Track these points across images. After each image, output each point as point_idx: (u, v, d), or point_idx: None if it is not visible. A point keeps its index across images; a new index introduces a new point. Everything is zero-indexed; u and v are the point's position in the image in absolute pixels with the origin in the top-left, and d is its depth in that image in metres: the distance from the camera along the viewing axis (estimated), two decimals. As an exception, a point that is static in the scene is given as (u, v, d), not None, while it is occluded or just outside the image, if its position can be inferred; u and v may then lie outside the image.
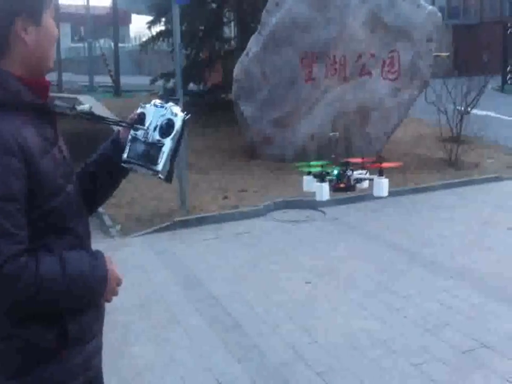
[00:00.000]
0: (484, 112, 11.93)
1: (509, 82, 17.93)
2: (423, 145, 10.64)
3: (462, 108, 9.75)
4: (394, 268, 5.44)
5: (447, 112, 9.75)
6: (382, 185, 3.55)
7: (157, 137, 1.67)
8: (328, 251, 5.95)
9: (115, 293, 1.67)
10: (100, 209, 7.29)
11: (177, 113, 1.70)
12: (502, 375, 3.57)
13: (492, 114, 12.96)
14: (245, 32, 12.17)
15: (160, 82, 14.12)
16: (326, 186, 3.50)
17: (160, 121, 1.69)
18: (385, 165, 3.53)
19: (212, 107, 12.62)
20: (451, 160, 9.33)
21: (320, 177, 3.53)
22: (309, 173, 3.65)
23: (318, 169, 3.58)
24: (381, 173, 3.55)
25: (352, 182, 3.69)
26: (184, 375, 3.69)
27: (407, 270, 5.37)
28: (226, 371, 3.71)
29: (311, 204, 7.44)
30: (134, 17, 46.27)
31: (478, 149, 10.25)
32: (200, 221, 6.88)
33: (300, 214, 7.26)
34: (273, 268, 5.51)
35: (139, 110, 1.73)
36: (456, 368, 3.66)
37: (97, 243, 6.47)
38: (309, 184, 3.72)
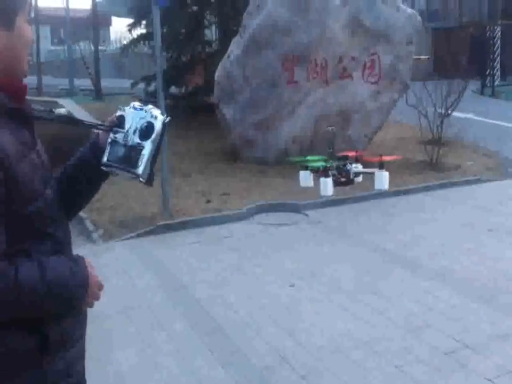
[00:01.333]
0: (464, 115, 12.08)
1: (488, 85, 18.16)
2: (404, 148, 10.72)
3: (442, 111, 9.86)
4: (377, 270, 5.48)
5: (428, 114, 9.85)
6: (383, 178, 3.60)
7: (137, 140, 1.66)
8: (311, 254, 5.97)
9: (97, 298, 1.64)
10: (82, 214, 7.23)
11: (157, 116, 1.69)
12: (484, 376, 3.61)
13: (472, 116, 13.12)
14: (226, 35, 12.20)
15: (141, 86, 14.05)
16: (330, 181, 3.52)
17: (140, 124, 1.68)
18: (385, 157, 3.58)
19: (193, 110, 12.60)
20: (432, 162, 9.43)
21: (323, 172, 3.54)
22: (306, 168, 3.66)
23: (320, 163, 3.59)
24: (381, 166, 3.58)
25: (351, 176, 3.72)
26: (167, 379, 3.68)
27: (389, 271, 5.42)
28: (210, 375, 3.71)
29: (294, 207, 7.47)
30: (115, 19, 46.03)
31: (458, 151, 10.37)
32: (183, 225, 6.85)
33: (283, 217, 7.28)
34: (257, 271, 5.51)
35: (118, 113, 1.71)
36: (438, 369, 3.70)
37: (79, 248, 6.43)
38: (306, 179, 3.74)
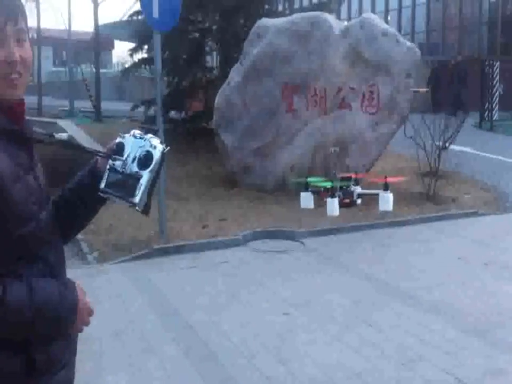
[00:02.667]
0: (461, 148, 12.16)
1: (486, 119, 18.31)
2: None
3: (440, 143, 9.92)
4: (371, 300, 5.45)
5: (425, 147, 9.90)
6: (388, 200, 3.58)
7: (135, 169, 1.66)
8: (306, 282, 5.94)
9: (86, 323, 1.63)
10: (77, 236, 7.21)
11: (156, 146, 1.69)
12: (477, 411, 3.58)
13: (469, 150, 13.21)
14: (227, 61, 12.33)
15: (141, 109, 14.14)
16: (336, 201, 3.50)
17: (138, 152, 1.68)
18: (390, 179, 3.57)
19: (192, 135, 12.65)
20: (429, 194, 9.45)
21: (327, 192, 3.52)
22: (306, 189, 3.64)
23: (327, 183, 3.57)
24: (386, 187, 3.57)
25: (355, 198, 3.71)
26: (158, 407, 3.63)
27: (384, 303, 5.39)
28: (201, 403, 3.66)
29: (290, 235, 7.45)
30: (117, 43, 46.59)
31: (456, 184, 10.41)
32: (179, 249, 6.83)
33: (279, 244, 7.26)
34: (251, 298, 5.48)
35: (118, 140, 1.71)
36: (431, 403, 3.66)
37: (74, 269, 6.40)
38: (307, 200, 3.71)
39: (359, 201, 3.50)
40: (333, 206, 3.38)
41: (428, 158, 9.99)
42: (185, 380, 3.93)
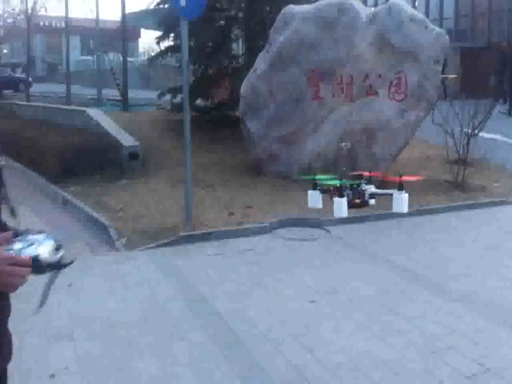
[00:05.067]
0: (491, 135, 11.94)
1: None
2: (429, 167, 10.64)
3: (469, 131, 9.76)
4: (398, 289, 5.42)
5: (454, 134, 9.76)
6: (402, 201, 3.39)
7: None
8: (332, 270, 5.94)
9: (16, 276, 1.47)
10: (106, 223, 7.32)
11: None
12: (506, 401, 3.55)
13: (499, 137, 12.96)
14: (253, 49, 12.26)
15: (167, 97, 14.19)
16: (344, 202, 3.33)
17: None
18: (405, 178, 3.41)
19: (218, 123, 12.68)
20: (457, 183, 9.33)
21: (336, 191, 3.37)
22: (314, 187, 3.51)
23: (334, 181, 3.42)
24: (400, 187, 3.39)
25: (366, 198, 3.53)
26: (185, 391, 3.68)
27: (411, 291, 5.36)
28: (228, 389, 3.70)
29: (316, 222, 7.44)
30: (143, 31, 46.73)
31: (485, 172, 10.25)
32: (205, 237, 6.88)
33: (305, 232, 7.26)
34: (277, 285, 5.50)
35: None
36: (459, 392, 3.64)
37: (103, 256, 6.48)
38: (314, 199, 3.57)
39: (372, 201, 3.35)
40: (340, 206, 3.23)
41: (456, 146, 9.85)
42: (213, 366, 3.97)
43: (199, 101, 13.77)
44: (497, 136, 12.90)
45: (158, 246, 6.58)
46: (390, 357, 4.09)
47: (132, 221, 7.38)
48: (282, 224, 7.44)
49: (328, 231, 7.27)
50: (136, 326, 4.62)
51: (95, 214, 7.73)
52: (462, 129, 9.71)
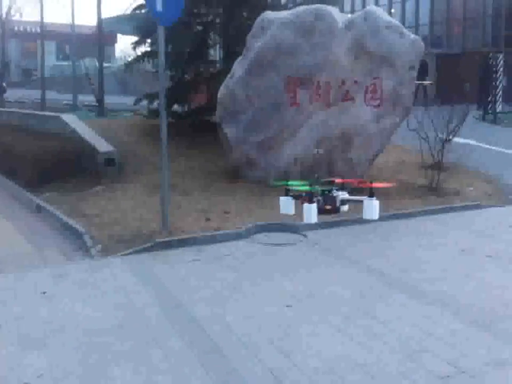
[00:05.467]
0: (465, 140, 12.13)
1: (490, 111, 18.24)
2: (405, 172, 10.75)
3: (444, 136, 9.90)
4: (374, 293, 5.45)
5: (429, 139, 9.89)
6: (373, 208, 3.38)
7: None
8: (309, 275, 5.95)
9: None
10: (80, 229, 7.24)
11: None
12: (480, 402, 3.59)
13: (473, 142, 13.16)
14: (231, 55, 12.28)
15: (144, 103, 14.13)
16: (314, 208, 3.32)
17: None
18: (376, 184, 3.41)
19: (196, 129, 12.66)
20: (432, 187, 9.44)
21: (306, 198, 3.36)
22: (286, 194, 3.52)
23: (304, 187, 3.42)
24: (371, 194, 3.39)
25: (337, 204, 3.52)
26: (162, 398, 3.64)
27: (387, 295, 5.39)
28: (205, 395, 3.68)
29: (293, 227, 7.46)
30: (120, 37, 46.47)
31: (459, 177, 10.39)
32: (182, 243, 6.85)
33: (282, 237, 7.27)
34: (254, 290, 5.49)
35: None
36: (434, 394, 3.67)
37: (77, 263, 6.39)
38: (286, 206, 3.57)
39: (345, 208, 3.35)
40: (310, 213, 3.22)
41: (431, 151, 9.97)
42: (189, 373, 3.94)
43: (176, 107, 13.73)
44: (472, 141, 13.10)
45: (134, 253, 6.53)
46: (367, 361, 4.11)
47: (107, 228, 7.32)
48: (260, 229, 7.45)
49: (305, 235, 7.29)
50: (112, 333, 4.57)
51: (70, 221, 7.65)
52: (437, 135, 9.84)
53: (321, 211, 3.46)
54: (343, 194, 3.58)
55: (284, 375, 3.89)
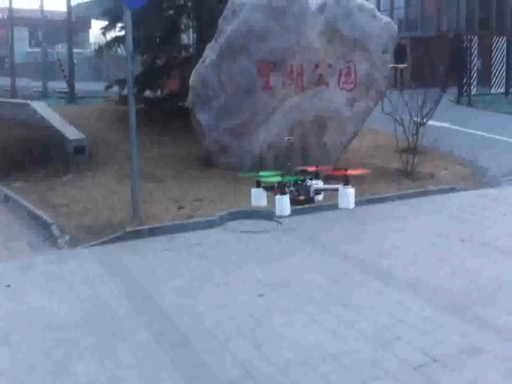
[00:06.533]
0: (439, 124, 12.09)
1: (464, 94, 18.26)
2: (379, 156, 10.69)
3: (418, 119, 9.84)
4: (349, 279, 5.38)
5: (404, 123, 9.83)
6: (349, 196, 3.24)
7: None
8: (283, 263, 5.85)
9: None
10: (48, 219, 7.04)
11: None
12: (453, 390, 3.53)
13: (448, 125, 13.16)
14: (203, 39, 12.04)
15: (116, 89, 13.83)
16: (287, 199, 3.17)
17: None
18: (350, 172, 3.27)
19: (168, 115, 12.42)
20: (407, 171, 9.40)
21: (278, 189, 3.22)
22: (258, 185, 3.37)
23: (276, 178, 3.27)
24: (346, 182, 3.25)
25: (311, 194, 3.37)
26: (127, 395, 3.52)
27: (361, 282, 5.32)
28: (172, 390, 3.56)
29: (267, 214, 7.34)
30: (94, 22, 45.64)
31: (434, 160, 10.37)
32: (153, 232, 6.69)
33: (256, 224, 7.16)
34: (227, 280, 5.38)
35: None
36: None
37: (44, 255, 6.18)
38: (259, 197, 3.42)
39: (319, 197, 3.22)
40: (282, 204, 3.08)
41: (406, 135, 9.92)
42: (157, 367, 3.82)
43: (148, 92, 13.47)
44: (446, 124, 13.09)
45: (103, 243, 6.36)
46: (340, 350, 4.03)
47: (76, 217, 7.12)
48: (233, 216, 7.32)
49: (279, 222, 7.18)
50: (78, 327, 4.42)
51: (38, 211, 7.43)
52: (411, 118, 9.78)
53: (294, 202, 3.32)
54: (316, 184, 3.44)
55: (255, 368, 3.79)
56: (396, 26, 9.62)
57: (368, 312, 4.65)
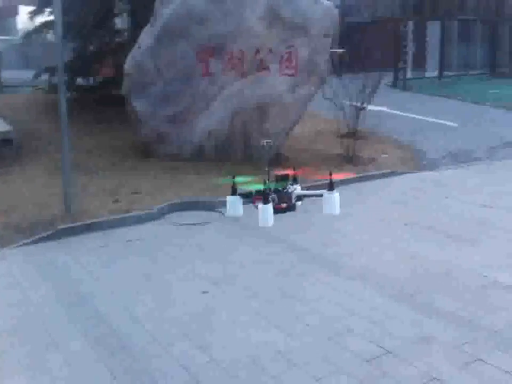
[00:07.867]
0: (378, 108, 12.15)
1: (400, 78, 18.55)
2: (321, 141, 10.62)
3: (358, 104, 9.82)
4: (296, 271, 5.21)
5: (344, 108, 9.78)
6: (334, 202, 3.01)
7: None
8: (227, 256, 5.62)
9: None
10: (-28, 218, 6.52)
11: None
12: (407, 383, 3.42)
13: (385, 109, 13.26)
14: (139, 24, 11.55)
15: (45, 77, 13.12)
16: (270, 208, 2.91)
17: None
18: (336, 176, 3.05)
19: (102, 103, 11.88)
20: (348, 156, 9.35)
21: (259, 197, 2.94)
22: (233, 193, 3.08)
23: (257, 186, 2.99)
24: (331, 186, 3.02)
25: (293, 201, 3.12)
26: (61, 412, 3.22)
27: (309, 273, 5.17)
28: (111, 403, 3.28)
29: (209, 205, 7.09)
30: (23, 8, 43.64)
31: (374, 144, 10.37)
32: (88, 228, 6.30)
33: (198, 216, 6.88)
34: (167, 277, 5.10)
35: None
36: (360, 379, 3.46)
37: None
38: (234, 206, 3.12)
39: (300, 203, 3.01)
40: (266, 214, 2.83)
41: (346, 119, 9.88)
42: (93, 379, 3.52)
43: (80, 80, 12.86)
44: (384, 108, 13.20)
45: (33, 242, 5.92)
46: (289, 347, 3.85)
47: (3, 215, 6.61)
48: (173, 208, 7.02)
49: (222, 213, 6.92)
50: (6, 337, 4.05)
51: (-39, 209, 6.88)
52: (351, 103, 9.74)
53: (276, 210, 3.06)
54: (296, 189, 3.19)
55: (201, 373, 3.56)
56: (336, 11, 9.49)
57: (316, 304, 4.50)
